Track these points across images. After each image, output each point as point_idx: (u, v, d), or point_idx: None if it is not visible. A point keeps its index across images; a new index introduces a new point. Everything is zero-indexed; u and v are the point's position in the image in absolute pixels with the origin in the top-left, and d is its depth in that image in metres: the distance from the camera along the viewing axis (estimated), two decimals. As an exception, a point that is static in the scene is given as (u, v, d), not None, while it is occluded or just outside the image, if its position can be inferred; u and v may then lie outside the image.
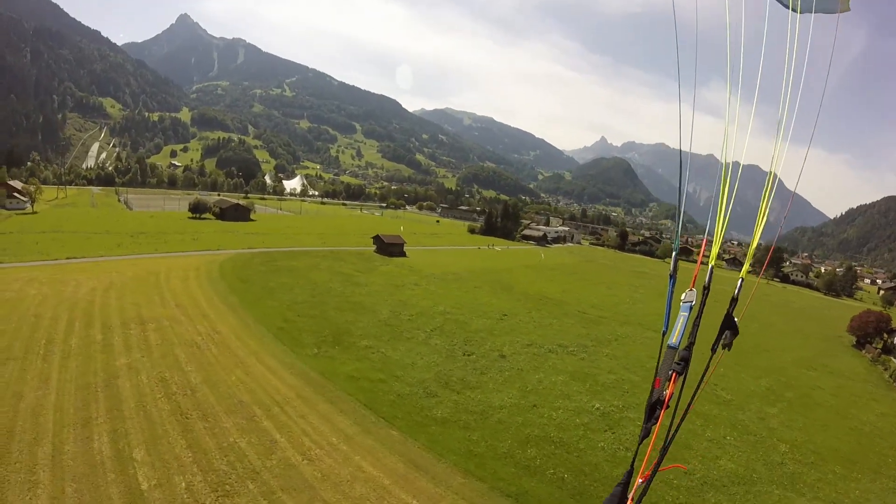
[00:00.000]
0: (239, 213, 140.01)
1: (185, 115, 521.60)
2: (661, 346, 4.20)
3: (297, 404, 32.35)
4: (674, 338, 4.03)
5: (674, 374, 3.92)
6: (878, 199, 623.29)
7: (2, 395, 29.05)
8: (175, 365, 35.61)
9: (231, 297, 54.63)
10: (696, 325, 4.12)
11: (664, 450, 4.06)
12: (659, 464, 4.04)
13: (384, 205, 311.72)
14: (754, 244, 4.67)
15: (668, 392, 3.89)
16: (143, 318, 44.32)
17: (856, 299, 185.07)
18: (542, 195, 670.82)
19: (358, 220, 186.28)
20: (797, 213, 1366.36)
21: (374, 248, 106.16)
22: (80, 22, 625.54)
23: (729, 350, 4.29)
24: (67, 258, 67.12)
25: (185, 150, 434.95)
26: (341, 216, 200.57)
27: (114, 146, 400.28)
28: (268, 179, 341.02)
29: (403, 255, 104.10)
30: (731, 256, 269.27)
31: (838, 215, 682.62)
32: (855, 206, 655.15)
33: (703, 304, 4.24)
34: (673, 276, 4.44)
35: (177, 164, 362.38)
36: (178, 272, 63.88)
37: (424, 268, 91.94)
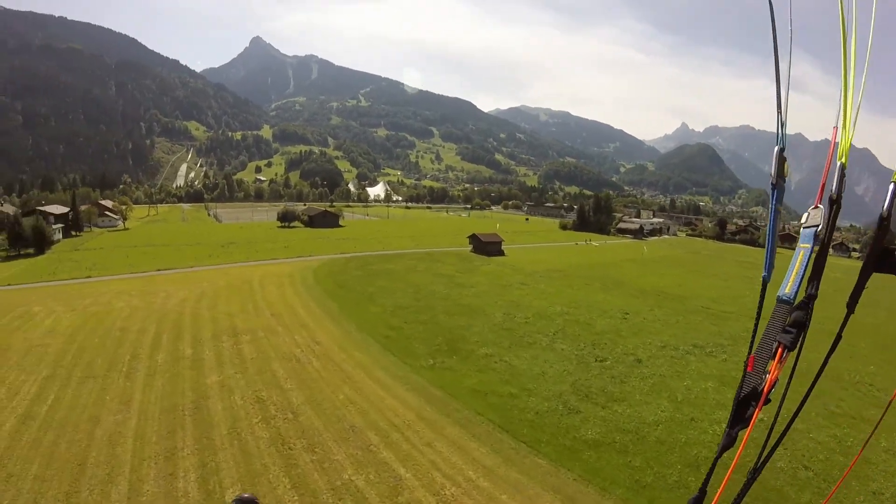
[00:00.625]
0: (328, 220, 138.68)
1: (266, 132, 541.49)
2: (761, 300, 2.42)
3: (419, 428, 26.89)
4: (787, 286, 2.26)
5: (780, 349, 2.18)
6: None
7: (76, 419, 25.51)
8: (273, 382, 31.15)
9: (329, 303, 50.43)
10: (818, 266, 2.25)
11: (755, 471, 2.39)
12: (745, 491, 2.40)
13: (469, 206, 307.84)
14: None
15: (769, 377, 2.18)
16: (236, 330, 40.56)
17: None
18: (626, 188, 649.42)
19: (446, 222, 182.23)
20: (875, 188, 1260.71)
21: (470, 247, 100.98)
22: (159, 53, 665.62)
23: None
24: (158, 270, 65.83)
25: (268, 165, 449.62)
26: (428, 219, 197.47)
27: (201, 166, 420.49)
28: (351, 187, 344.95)
29: (502, 253, 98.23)
30: (838, 241, 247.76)
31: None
32: None
33: (831, 227, 2.27)
34: (775, 185, 2.34)
35: (262, 178, 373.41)
36: (272, 279, 60.71)
37: (526, 265, 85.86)
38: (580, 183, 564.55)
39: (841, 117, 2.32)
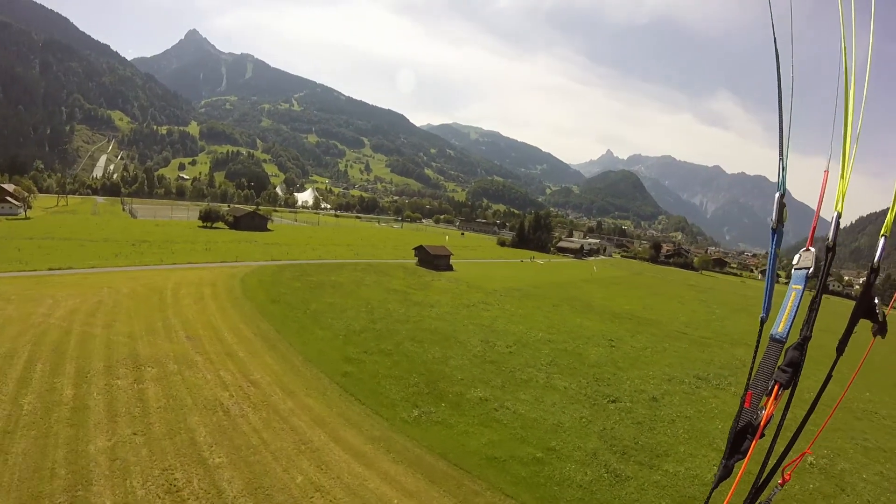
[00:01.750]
0: (255, 222, 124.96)
1: (193, 128, 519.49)
2: (758, 340, 2.58)
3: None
4: (780, 325, 2.40)
5: (776, 386, 2.36)
6: (889, 206, 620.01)
7: None
8: (191, 451, 20.10)
9: (263, 323, 38.99)
10: (813, 307, 2.40)
11: (751, 498, 2.58)
12: None
13: (399, 218, 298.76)
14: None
15: (765, 413, 2.33)
16: (138, 360, 28.82)
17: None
18: (552, 209, 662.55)
19: (380, 233, 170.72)
20: (806, 223, 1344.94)
21: (416, 260, 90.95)
22: (89, 36, 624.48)
23: (882, 337, 2.52)
24: (51, 269, 51.86)
25: (193, 163, 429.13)
26: (361, 228, 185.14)
27: (121, 158, 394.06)
28: (279, 191, 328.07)
29: (451, 268, 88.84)
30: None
31: (848, 224, 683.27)
32: (865, 215, 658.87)
33: (825, 272, 2.43)
34: (776, 231, 2.53)
35: (185, 176, 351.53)
36: (189, 288, 48.44)
37: (481, 282, 76.92)
38: (507, 201, 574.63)
39: (839, 166, 2.43)
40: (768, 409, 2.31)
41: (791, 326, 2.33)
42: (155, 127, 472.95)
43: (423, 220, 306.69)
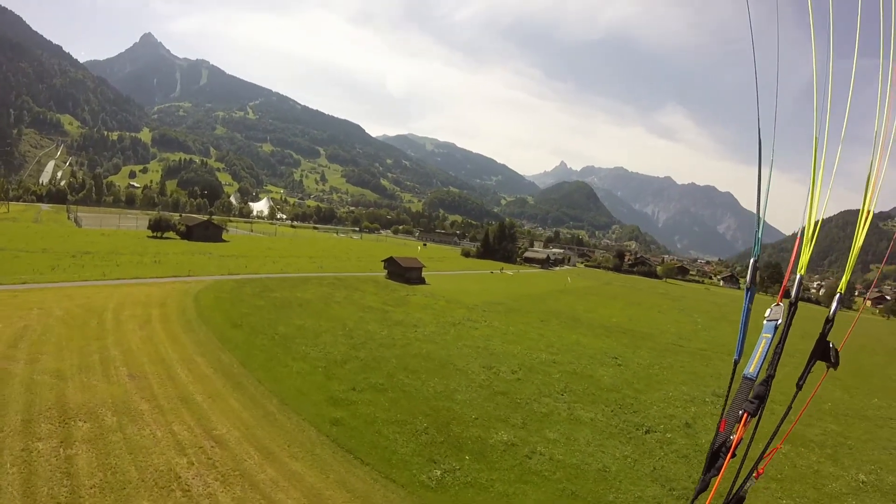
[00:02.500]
0: (209, 233, 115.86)
1: (145, 135, 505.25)
2: (732, 378, 3.15)
3: None
4: (751, 367, 2.99)
5: (745, 415, 2.93)
6: (836, 213, 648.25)
7: None
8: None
9: (225, 354, 31.97)
10: (777, 352, 3.05)
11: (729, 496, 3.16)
12: None
13: (358, 228, 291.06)
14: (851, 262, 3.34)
15: (735, 437, 2.91)
16: (67, 410, 21.76)
17: (854, 310, 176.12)
18: (507, 219, 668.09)
19: (342, 244, 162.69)
20: (753, 231, 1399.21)
21: (385, 273, 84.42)
22: (41, 35, 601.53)
23: (834, 367, 3.13)
24: (-35, 288, 43.70)
25: (144, 170, 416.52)
26: (321, 239, 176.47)
27: (70, 165, 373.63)
28: (233, 201, 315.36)
29: (423, 281, 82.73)
30: (729, 275, 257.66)
31: (797, 230, 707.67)
32: (820, 218, 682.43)
33: (788, 324, 3.06)
34: (750, 289, 3.20)
35: (136, 184, 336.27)
36: (135, 309, 40.94)
37: (459, 296, 71.31)
38: (464, 212, 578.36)
39: (807, 233, 3.10)
40: (738, 433, 2.83)
41: (760, 368, 2.87)
42: (106, 132, 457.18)
43: (381, 231, 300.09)
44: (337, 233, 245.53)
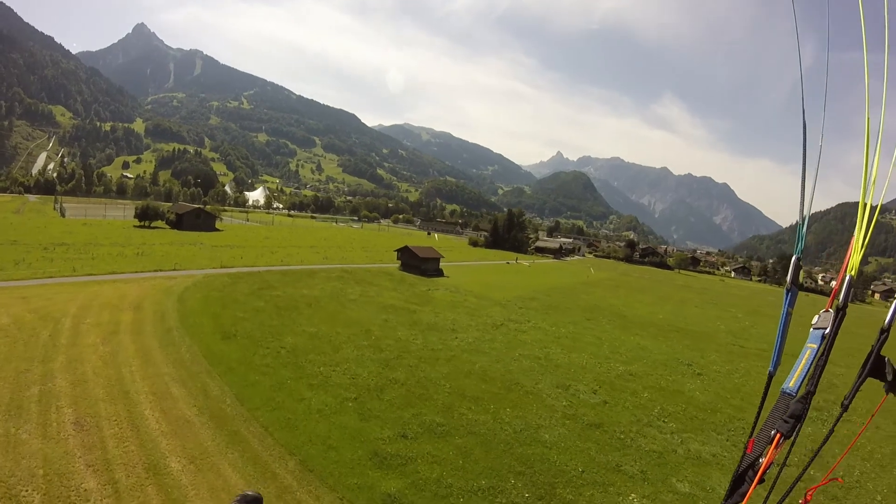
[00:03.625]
0: (202, 221, 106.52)
1: (138, 125, 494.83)
2: (765, 392, 2.71)
3: None
4: (792, 380, 2.55)
5: (777, 435, 2.48)
6: (833, 205, 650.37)
7: None
8: None
9: (214, 383, 22.85)
10: (819, 365, 2.54)
11: None
12: None
13: (357, 218, 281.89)
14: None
15: (765, 460, 2.47)
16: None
17: (867, 303, 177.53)
18: (504, 209, 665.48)
19: (342, 233, 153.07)
20: (750, 223, 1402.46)
21: (398, 264, 75.66)
22: (33, 27, 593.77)
23: (893, 391, 2.53)
24: None
25: (137, 161, 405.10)
26: (320, 228, 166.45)
27: (62, 156, 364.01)
28: (228, 190, 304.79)
29: (441, 273, 73.93)
30: (741, 266, 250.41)
31: (794, 222, 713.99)
32: (810, 214, 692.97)
33: (834, 333, 2.55)
34: (791, 290, 2.70)
35: (128, 175, 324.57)
36: (102, 315, 32.04)
37: (485, 291, 62.66)
38: (461, 202, 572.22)
39: (857, 235, 2.55)
40: (768, 456, 2.42)
41: (802, 382, 2.45)
42: (98, 123, 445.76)
43: (381, 221, 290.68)
44: (336, 222, 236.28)
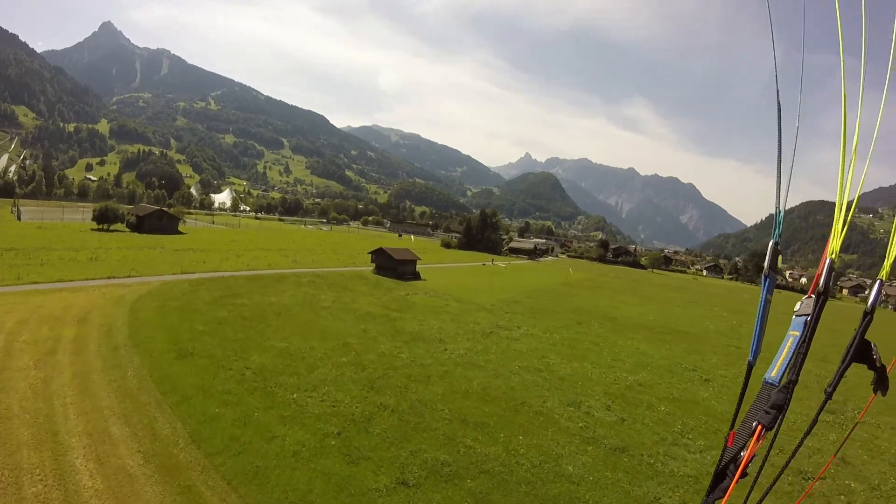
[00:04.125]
0: (164, 224, 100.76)
1: (103, 126, 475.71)
2: (745, 383, 2.64)
3: None
4: (774, 370, 2.48)
5: (759, 427, 2.42)
6: (797, 204, 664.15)
7: None
8: None
9: (162, 418, 18.67)
10: (801, 352, 2.49)
11: None
12: None
13: (326, 220, 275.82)
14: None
15: (746, 453, 2.41)
16: None
17: (837, 299, 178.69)
18: (474, 210, 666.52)
19: (312, 235, 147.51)
20: (716, 222, 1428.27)
21: (372, 267, 71.63)
22: None
23: (882, 394, 2.52)
24: None
25: (102, 163, 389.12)
26: (289, 231, 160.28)
27: (24, 158, 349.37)
28: (194, 192, 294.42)
29: (418, 276, 70.17)
30: (712, 264, 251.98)
31: (759, 221, 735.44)
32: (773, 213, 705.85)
33: (815, 318, 2.51)
34: (769, 276, 2.61)
35: (92, 177, 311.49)
36: (41, 330, 27.55)
37: (467, 294, 59.25)
38: (430, 203, 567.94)
39: (837, 218, 2.51)
40: (750, 448, 2.37)
41: (784, 371, 2.39)
42: (62, 124, 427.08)
43: (350, 223, 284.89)
44: (305, 224, 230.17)
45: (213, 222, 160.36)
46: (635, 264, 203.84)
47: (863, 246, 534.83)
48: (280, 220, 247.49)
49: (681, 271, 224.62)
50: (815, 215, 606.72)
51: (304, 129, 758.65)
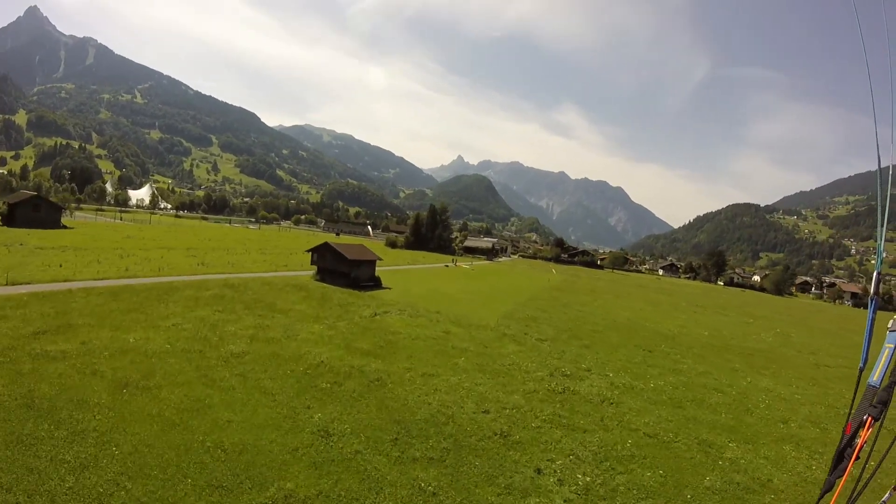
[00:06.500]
0: (43, 215, 77.97)
1: (21, 117, 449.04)
2: (857, 384, 3.33)
3: None
4: (875, 375, 3.18)
5: (868, 419, 3.11)
6: (724, 206, 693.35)
7: None
8: None
9: None
10: None
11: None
12: None
13: (253, 219, 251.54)
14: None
15: (860, 440, 3.09)
16: None
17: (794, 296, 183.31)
18: (408, 212, 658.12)
19: (236, 233, 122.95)
20: (643, 223, 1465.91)
21: (313, 270, 51.69)
22: None
23: None
24: None
25: (16, 157, 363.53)
26: (207, 228, 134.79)
27: None
28: (108, 187, 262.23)
29: (378, 282, 51.09)
30: (669, 263, 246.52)
31: (686, 222, 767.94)
32: (702, 214, 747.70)
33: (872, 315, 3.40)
34: (874, 300, 3.43)
35: (2, 171, 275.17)
36: None
37: (451, 308, 41.11)
38: (363, 204, 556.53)
39: (880, 232, 3.48)
40: (863, 436, 3.01)
41: (884, 376, 3.03)
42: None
43: (281, 222, 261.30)
44: (230, 222, 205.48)
45: (121, 218, 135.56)
46: (592, 264, 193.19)
47: (788, 245, 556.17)
48: (203, 218, 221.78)
49: (638, 271, 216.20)
50: (742, 217, 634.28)
51: (234, 127, 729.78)
